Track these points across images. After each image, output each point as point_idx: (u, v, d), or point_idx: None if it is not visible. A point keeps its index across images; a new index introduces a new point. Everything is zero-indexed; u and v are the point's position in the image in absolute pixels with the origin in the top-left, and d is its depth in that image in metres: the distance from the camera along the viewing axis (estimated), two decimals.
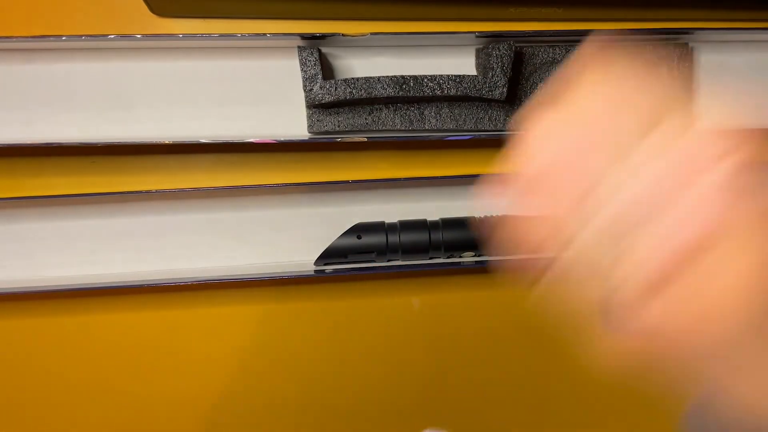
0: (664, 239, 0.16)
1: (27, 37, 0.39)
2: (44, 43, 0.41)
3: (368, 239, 0.45)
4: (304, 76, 0.41)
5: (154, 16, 0.44)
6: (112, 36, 0.40)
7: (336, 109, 0.44)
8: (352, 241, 0.45)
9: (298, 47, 0.42)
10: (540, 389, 0.53)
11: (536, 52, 0.46)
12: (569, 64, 0.18)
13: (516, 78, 0.45)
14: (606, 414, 0.54)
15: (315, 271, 0.46)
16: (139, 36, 0.40)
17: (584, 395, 0.53)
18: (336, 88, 0.41)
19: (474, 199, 0.49)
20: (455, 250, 0.45)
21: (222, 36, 0.41)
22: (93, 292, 0.47)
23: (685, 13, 0.47)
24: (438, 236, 0.45)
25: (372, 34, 0.42)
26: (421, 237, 0.45)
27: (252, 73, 0.45)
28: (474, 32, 0.43)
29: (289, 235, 0.48)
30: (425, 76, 0.42)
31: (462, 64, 0.46)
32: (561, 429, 0.54)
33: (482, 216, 0.46)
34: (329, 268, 0.46)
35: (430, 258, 0.46)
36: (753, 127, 0.24)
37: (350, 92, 0.41)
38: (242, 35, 0.41)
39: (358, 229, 0.45)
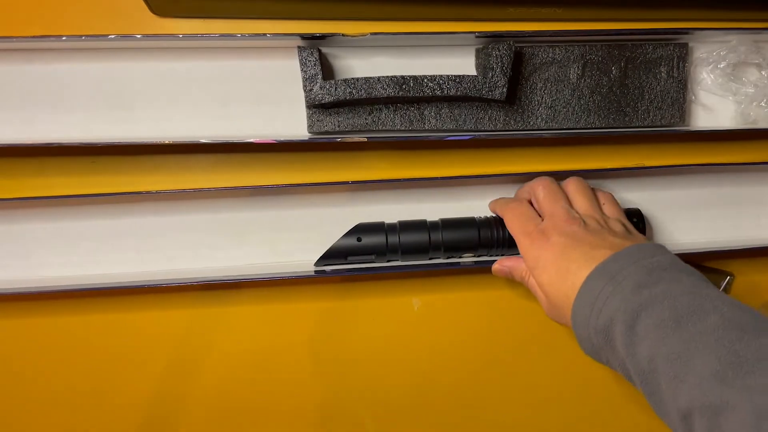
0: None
1: (27, 37, 0.39)
2: (44, 43, 0.41)
3: (368, 240, 0.45)
4: (304, 76, 0.41)
5: (154, 16, 0.44)
6: (112, 36, 0.40)
7: (336, 109, 0.44)
8: (352, 243, 0.45)
9: (298, 47, 0.42)
10: (539, 389, 0.53)
11: (536, 52, 0.46)
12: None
13: (516, 78, 0.45)
14: (605, 413, 0.54)
15: (315, 271, 0.46)
16: (139, 36, 0.40)
17: (583, 395, 0.53)
18: (336, 88, 0.41)
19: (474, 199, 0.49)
20: (455, 251, 0.45)
21: (222, 36, 0.41)
22: (93, 292, 0.47)
23: (684, 13, 0.47)
24: (438, 237, 0.45)
25: (372, 34, 0.42)
26: (420, 237, 0.45)
27: (252, 73, 0.45)
28: (474, 32, 0.43)
29: (289, 235, 0.48)
30: (425, 76, 0.42)
31: (462, 64, 0.46)
32: (560, 428, 0.54)
33: (482, 217, 0.46)
34: (329, 267, 0.46)
35: (430, 258, 0.46)
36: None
37: (350, 92, 0.41)
38: (242, 35, 0.41)
39: (358, 231, 0.45)
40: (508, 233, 0.44)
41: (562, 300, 0.37)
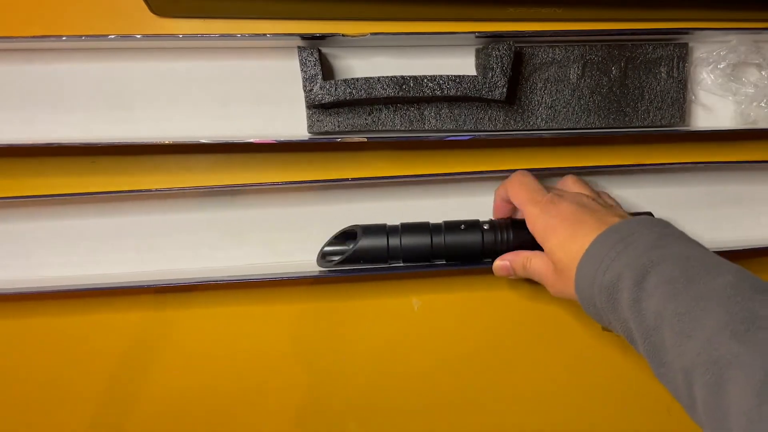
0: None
1: (27, 37, 0.39)
2: (44, 43, 0.41)
3: (368, 244, 0.44)
4: (304, 77, 0.41)
5: (154, 16, 0.44)
6: (112, 36, 0.40)
7: (336, 109, 0.44)
8: (351, 252, 0.44)
9: (298, 47, 0.42)
10: (540, 390, 0.53)
11: (536, 52, 0.46)
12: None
13: (516, 78, 0.45)
14: (606, 414, 0.54)
15: (315, 271, 0.46)
16: (139, 36, 0.40)
17: (584, 395, 0.53)
18: (336, 88, 0.41)
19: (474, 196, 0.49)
20: (457, 259, 0.45)
21: (222, 36, 0.41)
22: (93, 292, 0.47)
23: (684, 13, 0.47)
24: (440, 240, 0.44)
25: (372, 34, 0.42)
26: (422, 240, 0.44)
27: (252, 73, 0.45)
28: (474, 32, 0.43)
29: (289, 235, 0.48)
30: (425, 77, 0.42)
31: (462, 64, 0.46)
32: (561, 429, 0.54)
33: (483, 220, 0.46)
34: (329, 268, 0.46)
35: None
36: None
37: (350, 92, 0.41)
38: (242, 35, 0.41)
39: (358, 236, 0.44)
40: (513, 238, 0.43)
41: (570, 262, 0.37)
